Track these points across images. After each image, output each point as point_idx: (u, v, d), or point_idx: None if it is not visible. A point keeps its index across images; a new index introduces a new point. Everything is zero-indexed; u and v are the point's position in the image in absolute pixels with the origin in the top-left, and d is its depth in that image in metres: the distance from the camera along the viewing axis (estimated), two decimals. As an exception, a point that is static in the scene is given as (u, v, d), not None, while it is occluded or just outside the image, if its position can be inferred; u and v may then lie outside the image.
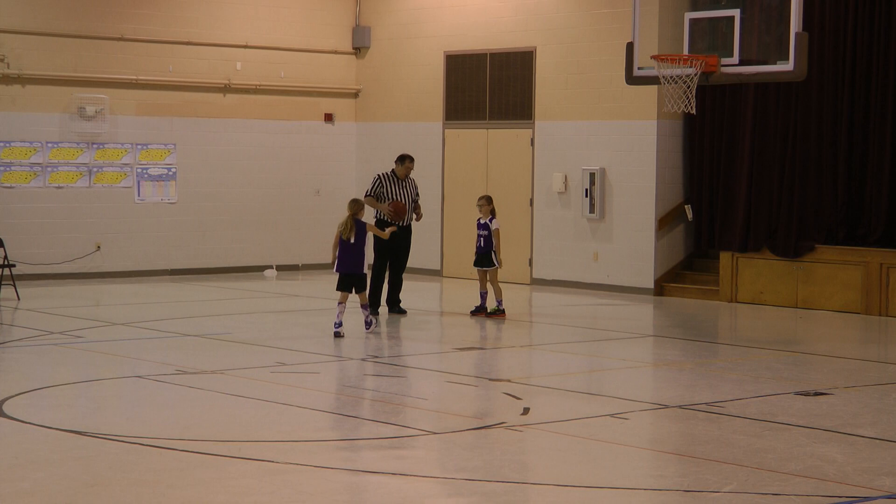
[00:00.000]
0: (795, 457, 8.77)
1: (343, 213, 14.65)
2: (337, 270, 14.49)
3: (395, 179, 16.24)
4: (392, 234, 15.44)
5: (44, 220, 19.85)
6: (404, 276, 16.48)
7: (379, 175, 16.35)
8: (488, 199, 16.20)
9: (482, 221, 16.12)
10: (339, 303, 14.40)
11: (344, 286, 14.48)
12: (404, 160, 16.33)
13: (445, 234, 21.44)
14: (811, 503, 7.64)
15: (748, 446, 9.07)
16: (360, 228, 14.42)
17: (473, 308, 16.32)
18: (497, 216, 16.14)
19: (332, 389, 11.36)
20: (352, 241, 14.37)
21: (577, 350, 14.11)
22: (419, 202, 16.44)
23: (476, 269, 16.28)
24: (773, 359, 13.37)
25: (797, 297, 17.81)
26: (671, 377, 12.21)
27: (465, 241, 19.20)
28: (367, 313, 14.68)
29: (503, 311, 16.15)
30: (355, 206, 14.51)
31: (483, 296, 16.21)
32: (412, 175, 16.51)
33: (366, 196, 16.03)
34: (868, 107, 17.57)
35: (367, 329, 14.64)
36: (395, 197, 16.07)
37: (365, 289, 14.75)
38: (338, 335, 14.19)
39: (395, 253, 16.13)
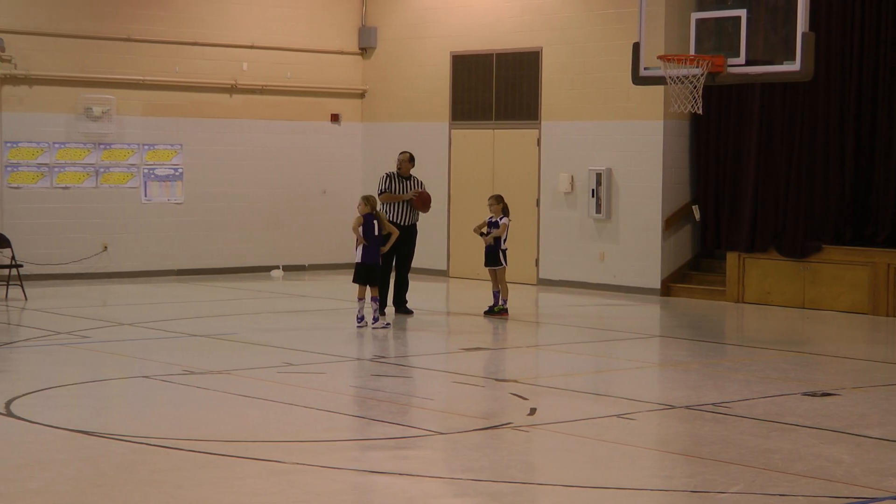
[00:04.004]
0: (802, 457, 8.76)
1: (353, 213, 15.14)
2: (362, 261, 14.89)
3: (399, 178, 16.30)
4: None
5: (51, 221, 19.87)
6: (410, 276, 16.50)
7: (386, 174, 16.42)
8: (498, 198, 16.23)
9: (493, 220, 16.14)
10: (360, 298, 14.93)
11: (362, 278, 14.87)
12: (398, 155, 16.49)
13: (452, 235, 21.43)
14: (818, 504, 7.65)
15: (755, 447, 9.06)
16: (379, 222, 15.02)
17: (487, 308, 16.31)
18: (509, 215, 16.21)
19: (339, 390, 11.36)
20: (375, 233, 14.90)
21: (584, 350, 14.10)
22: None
23: (486, 268, 16.32)
24: (780, 359, 13.35)
25: (804, 297, 17.79)
26: (678, 378, 12.21)
27: (472, 242, 19.18)
28: (376, 307, 14.91)
29: (506, 311, 16.16)
30: (374, 200, 15.13)
31: (496, 294, 16.22)
32: (420, 177, 16.59)
33: (380, 194, 16.09)
34: (875, 107, 17.55)
35: (374, 323, 14.84)
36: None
37: (379, 282, 15.12)
38: (360, 327, 14.83)
39: (400, 253, 16.14)
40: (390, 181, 16.24)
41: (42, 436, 9.21)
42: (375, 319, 14.96)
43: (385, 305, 15.91)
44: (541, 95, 20.34)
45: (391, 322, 15.42)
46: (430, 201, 16.37)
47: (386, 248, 15.22)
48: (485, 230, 16.17)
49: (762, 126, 18.31)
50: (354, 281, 15.02)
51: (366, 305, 15.00)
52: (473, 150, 21.24)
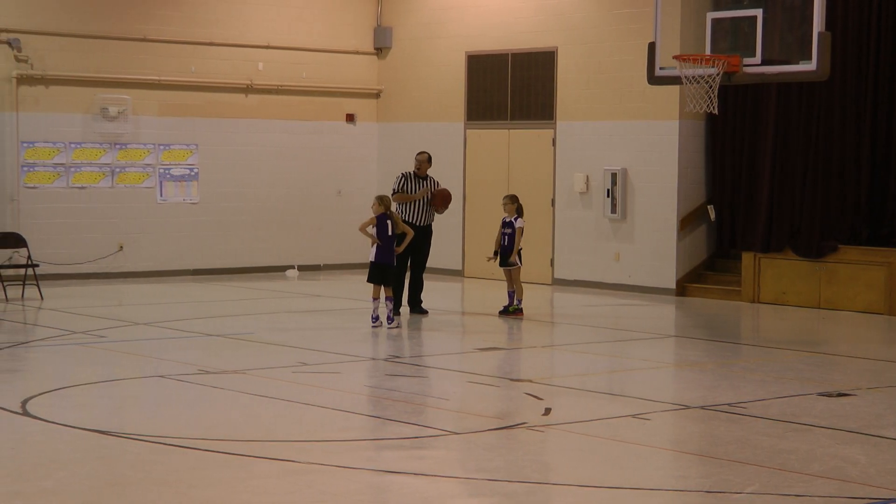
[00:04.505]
0: (818, 458, 8.74)
1: (369, 213, 15.26)
2: (376, 260, 14.88)
3: (416, 178, 16.29)
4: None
5: (67, 221, 19.93)
6: (425, 276, 16.50)
7: (402, 173, 16.42)
8: (512, 198, 16.23)
9: (507, 220, 16.14)
10: (374, 298, 14.92)
11: (376, 278, 14.87)
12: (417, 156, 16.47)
13: (467, 234, 21.44)
14: (834, 504, 7.63)
15: (771, 447, 9.04)
16: (393, 223, 14.98)
17: (502, 308, 16.31)
18: (523, 215, 16.20)
19: (354, 389, 11.37)
20: (389, 233, 14.85)
21: (599, 350, 14.09)
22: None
23: (502, 268, 16.32)
24: (796, 359, 13.32)
25: (820, 297, 17.74)
26: (693, 378, 12.19)
27: (487, 241, 19.16)
28: (391, 306, 14.94)
29: (521, 311, 16.16)
30: (389, 200, 15.16)
31: (511, 294, 16.21)
32: (435, 177, 16.58)
33: (393, 193, 16.08)
34: (892, 106, 17.50)
35: (389, 323, 14.86)
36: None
37: (394, 282, 15.13)
38: (375, 327, 14.80)
39: (415, 253, 16.14)
40: (405, 181, 16.24)
41: (58, 435, 9.24)
42: (390, 319, 14.98)
43: (400, 305, 15.93)
44: (556, 95, 20.33)
45: (401, 324, 15.39)
46: (449, 199, 16.33)
47: (401, 249, 15.23)
48: (497, 250, 16.16)
49: (778, 126, 18.27)
50: (369, 281, 15.04)
51: (380, 305, 15.01)
52: (488, 150, 21.23)
